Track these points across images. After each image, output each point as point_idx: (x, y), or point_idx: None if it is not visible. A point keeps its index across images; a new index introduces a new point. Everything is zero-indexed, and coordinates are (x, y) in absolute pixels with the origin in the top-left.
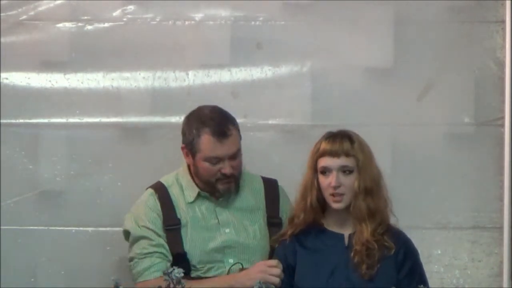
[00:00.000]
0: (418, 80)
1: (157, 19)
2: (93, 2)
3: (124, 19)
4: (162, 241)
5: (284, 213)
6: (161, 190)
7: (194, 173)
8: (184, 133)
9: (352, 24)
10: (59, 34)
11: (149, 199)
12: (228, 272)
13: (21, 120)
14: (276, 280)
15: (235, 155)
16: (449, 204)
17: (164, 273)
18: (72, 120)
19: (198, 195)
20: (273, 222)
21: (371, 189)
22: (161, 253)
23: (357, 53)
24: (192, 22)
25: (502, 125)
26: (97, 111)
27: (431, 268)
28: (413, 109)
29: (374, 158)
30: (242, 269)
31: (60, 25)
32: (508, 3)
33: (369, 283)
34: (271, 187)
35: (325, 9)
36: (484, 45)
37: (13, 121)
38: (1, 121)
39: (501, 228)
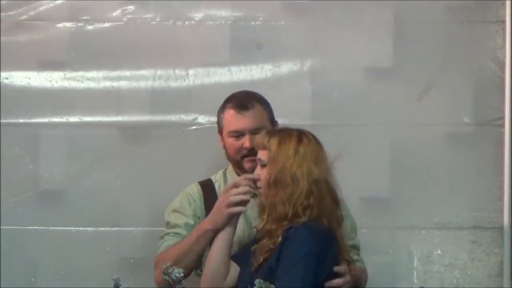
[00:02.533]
0: (418, 80)
1: (157, 19)
2: (93, 2)
3: (124, 19)
4: (183, 221)
5: None
6: (205, 183)
7: (227, 157)
8: (217, 115)
9: (352, 24)
10: (59, 34)
11: (190, 188)
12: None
13: (21, 120)
14: (243, 197)
15: (258, 130)
16: (449, 204)
17: (164, 273)
18: (72, 120)
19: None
20: None
21: (274, 184)
22: (175, 232)
23: (357, 53)
24: (192, 22)
25: (502, 125)
26: (97, 111)
27: (431, 268)
28: (413, 109)
29: (297, 155)
30: None
31: (60, 25)
32: (508, 3)
33: (255, 274)
34: None
35: (325, 9)
36: (484, 45)
37: (13, 121)
38: (1, 121)
39: (501, 228)
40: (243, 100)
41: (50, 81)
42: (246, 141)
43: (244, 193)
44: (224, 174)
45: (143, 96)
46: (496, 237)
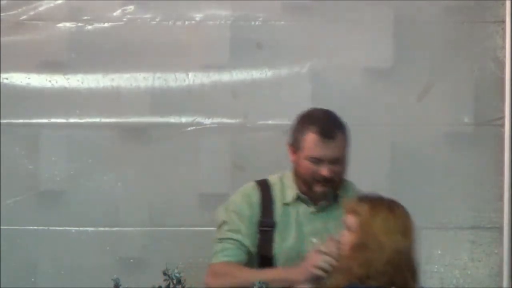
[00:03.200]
0: (418, 80)
1: (157, 19)
2: (93, 2)
3: (124, 19)
4: (243, 229)
5: None
6: (264, 186)
7: (295, 171)
8: (291, 131)
9: (352, 24)
10: (59, 34)
11: (249, 189)
12: None
13: (21, 120)
14: (328, 268)
15: (337, 160)
16: (449, 204)
17: (164, 273)
18: (72, 120)
19: (297, 197)
20: None
21: (358, 248)
22: (236, 240)
23: (357, 53)
24: (192, 22)
25: (502, 125)
26: (97, 111)
27: (431, 268)
28: (413, 109)
29: (387, 224)
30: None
31: (60, 25)
32: (508, 3)
33: None
34: None
35: (325, 9)
36: (484, 45)
37: (13, 121)
38: (1, 121)
39: (501, 228)
40: (328, 127)
41: (50, 81)
42: (324, 170)
43: (330, 264)
44: (281, 181)
45: (143, 97)
46: (496, 237)
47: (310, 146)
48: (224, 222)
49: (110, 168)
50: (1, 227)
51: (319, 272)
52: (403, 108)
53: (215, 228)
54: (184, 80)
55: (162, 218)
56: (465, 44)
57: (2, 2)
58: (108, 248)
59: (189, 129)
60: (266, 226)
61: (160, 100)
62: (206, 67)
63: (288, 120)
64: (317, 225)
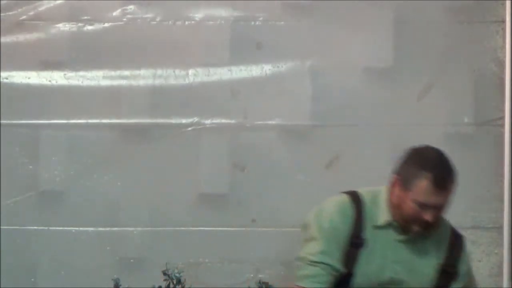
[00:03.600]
0: (418, 80)
1: (157, 19)
2: (93, 2)
3: (124, 19)
4: (335, 250)
5: (462, 269)
6: (357, 202)
7: (394, 202)
8: (402, 164)
9: (352, 24)
10: (59, 34)
11: (345, 205)
12: None
13: (21, 120)
14: None
15: (443, 208)
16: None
17: (164, 273)
18: (72, 120)
19: (389, 223)
20: (446, 270)
21: None
22: (327, 264)
23: (357, 53)
24: (192, 22)
25: (502, 125)
26: (97, 111)
27: None
28: (413, 109)
29: None
30: None
31: (60, 25)
32: (508, 3)
33: None
34: (457, 239)
35: (325, 9)
36: (484, 45)
37: (13, 121)
38: (1, 121)
39: (501, 228)
40: (443, 176)
41: (50, 81)
42: (429, 216)
43: None
44: (374, 199)
45: (143, 96)
46: (496, 237)
47: (421, 192)
48: (316, 240)
49: (110, 168)
50: (1, 227)
51: None
52: (403, 108)
53: (230, 227)
54: (184, 80)
55: (162, 218)
56: (465, 44)
57: (2, 2)
58: (108, 248)
59: (189, 129)
60: (354, 244)
61: (160, 100)
62: (206, 67)
63: (288, 120)
64: (403, 254)
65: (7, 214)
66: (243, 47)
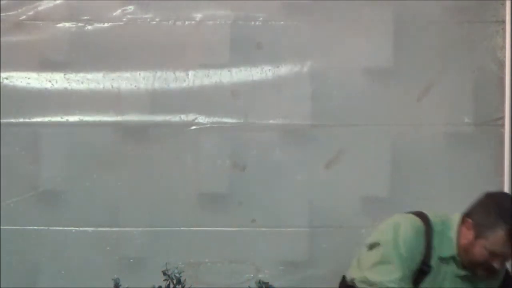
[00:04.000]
0: (418, 80)
1: (157, 19)
2: (93, 2)
3: (124, 19)
4: (410, 277)
5: None
6: (429, 229)
7: (463, 243)
8: (477, 210)
9: (352, 24)
10: (59, 34)
11: (420, 230)
12: None
13: (21, 120)
14: None
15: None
16: (449, 204)
17: (164, 273)
18: (72, 120)
19: (453, 257)
20: None
21: None
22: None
23: (357, 53)
24: (192, 22)
25: (502, 125)
26: (97, 111)
27: None
28: (413, 109)
29: None
30: None
31: (60, 25)
32: (508, 3)
33: None
34: (509, 279)
35: (325, 9)
36: (484, 45)
37: (13, 121)
38: (1, 121)
39: None
40: None
41: (50, 81)
42: (498, 264)
43: None
44: (443, 229)
45: (143, 96)
46: None
47: (497, 243)
48: (394, 265)
49: (110, 168)
50: (1, 227)
51: None
52: (403, 108)
53: (230, 227)
54: (184, 80)
55: (162, 218)
56: (465, 44)
57: (2, 2)
58: (108, 248)
59: (189, 129)
60: (422, 271)
61: (160, 100)
62: (206, 67)
63: (288, 120)
64: (462, 286)
65: (7, 214)
66: (243, 47)
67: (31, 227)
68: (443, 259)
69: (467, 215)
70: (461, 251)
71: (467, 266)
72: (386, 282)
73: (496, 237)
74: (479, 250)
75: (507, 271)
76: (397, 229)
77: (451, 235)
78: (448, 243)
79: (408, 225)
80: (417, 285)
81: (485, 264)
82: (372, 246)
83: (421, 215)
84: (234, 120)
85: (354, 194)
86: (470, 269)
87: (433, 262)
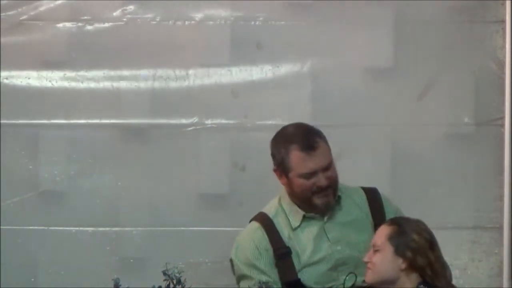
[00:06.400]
0: (418, 80)
1: (157, 19)
2: (93, 2)
3: (124, 19)
4: (264, 277)
5: (392, 213)
6: (266, 222)
7: (291, 193)
8: (273, 155)
9: (352, 24)
10: (59, 34)
11: (256, 233)
12: (344, 285)
13: (21, 120)
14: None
15: (328, 166)
16: (449, 204)
17: (164, 273)
18: (72, 120)
19: (303, 218)
20: (381, 223)
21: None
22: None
23: (357, 53)
24: (192, 22)
25: (502, 125)
26: (97, 111)
27: None
28: (413, 109)
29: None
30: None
31: (60, 25)
32: (508, 3)
33: None
34: (372, 195)
35: (325, 9)
36: (484, 45)
37: (13, 121)
38: (1, 121)
39: (501, 228)
40: (308, 139)
41: (50, 81)
42: (320, 181)
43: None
44: (281, 208)
45: (143, 96)
46: (496, 237)
47: (298, 164)
48: (246, 276)
49: (110, 168)
50: (1, 227)
51: None
52: (403, 108)
53: (230, 227)
54: (184, 80)
55: (162, 218)
56: (465, 44)
57: (2, 2)
58: (108, 248)
59: (189, 129)
60: (281, 255)
61: (160, 100)
62: (206, 67)
63: (288, 120)
64: (334, 234)
65: (7, 214)
66: (243, 47)
67: (31, 227)
68: (299, 228)
69: (273, 170)
70: (297, 202)
71: (312, 209)
72: None
73: (295, 160)
74: (297, 183)
75: (365, 189)
76: (238, 245)
77: (287, 205)
78: (291, 214)
79: (244, 238)
80: (291, 267)
81: (313, 190)
82: (231, 264)
83: (255, 216)
84: (234, 120)
85: None
86: (313, 208)
87: (290, 241)
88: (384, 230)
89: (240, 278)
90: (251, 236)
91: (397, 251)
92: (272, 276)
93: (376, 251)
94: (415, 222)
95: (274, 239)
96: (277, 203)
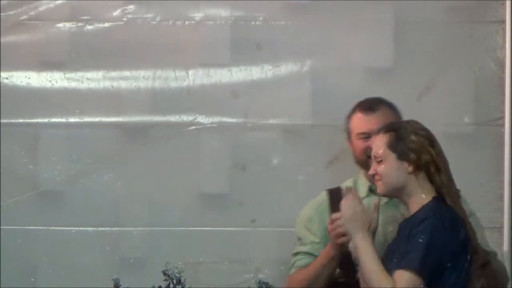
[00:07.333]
0: (418, 80)
1: (157, 19)
2: (93, 2)
3: (124, 19)
4: (312, 238)
5: None
6: (333, 190)
7: (356, 160)
8: (345, 123)
9: (352, 24)
10: (59, 34)
11: (320, 201)
12: None
13: (21, 120)
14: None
15: None
16: None
17: (164, 273)
18: (72, 120)
19: (370, 189)
20: None
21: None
22: (305, 252)
23: (357, 53)
24: (192, 22)
25: (502, 125)
26: (97, 111)
27: None
28: (413, 109)
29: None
30: None
31: (60, 25)
32: (508, 3)
33: None
34: None
35: (325, 9)
36: (484, 45)
37: (13, 121)
38: (1, 121)
39: (501, 228)
40: (370, 103)
41: (50, 81)
42: (372, 142)
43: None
44: (355, 180)
45: (143, 96)
46: (496, 237)
47: (357, 124)
48: (299, 239)
49: (110, 168)
50: (1, 227)
51: (343, 239)
52: (403, 108)
53: (230, 227)
54: (184, 80)
55: (162, 218)
56: (465, 44)
57: (2, 2)
58: (108, 248)
59: (189, 129)
60: None
61: (160, 100)
62: (206, 67)
63: (288, 120)
64: (389, 213)
65: (7, 214)
66: (243, 47)
67: (31, 227)
68: (365, 198)
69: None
70: (362, 171)
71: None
72: (297, 255)
73: (355, 121)
74: (355, 144)
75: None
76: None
77: (360, 177)
78: (360, 185)
79: (309, 204)
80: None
81: (368, 153)
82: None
83: (332, 188)
84: (234, 120)
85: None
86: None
87: None
88: (381, 139)
89: (297, 239)
90: (313, 204)
91: (400, 156)
92: (322, 240)
93: (379, 162)
94: (409, 123)
95: (334, 205)
96: (354, 179)
